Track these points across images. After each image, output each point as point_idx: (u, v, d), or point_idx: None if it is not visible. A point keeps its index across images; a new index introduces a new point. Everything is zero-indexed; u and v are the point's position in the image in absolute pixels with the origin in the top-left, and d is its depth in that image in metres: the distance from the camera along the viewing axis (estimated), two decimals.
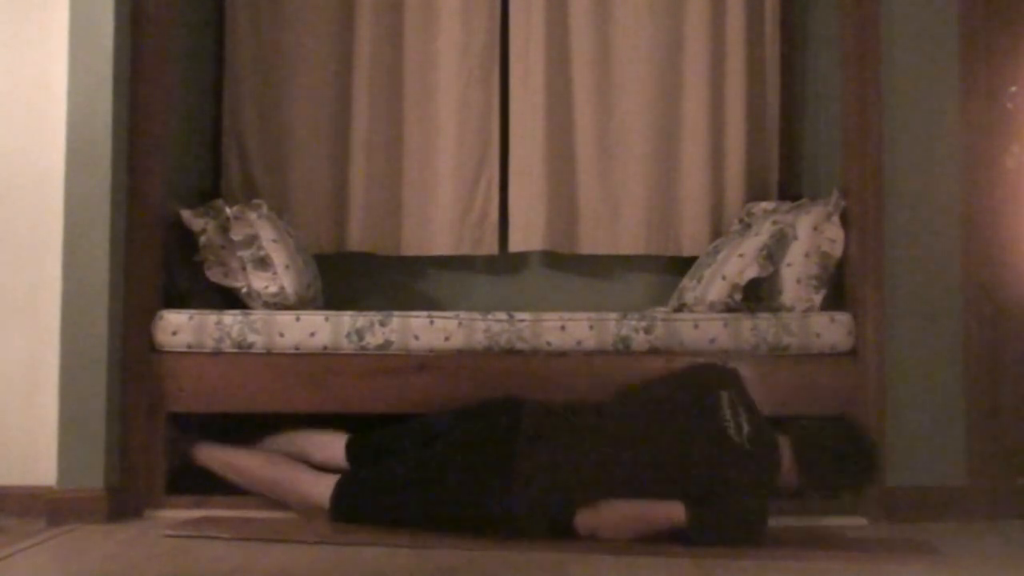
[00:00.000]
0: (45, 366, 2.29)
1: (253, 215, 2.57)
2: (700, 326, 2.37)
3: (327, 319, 2.38)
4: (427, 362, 2.34)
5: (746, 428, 2.06)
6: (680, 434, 2.05)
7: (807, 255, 2.43)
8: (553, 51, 2.92)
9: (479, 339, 2.36)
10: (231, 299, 2.55)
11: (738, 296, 2.42)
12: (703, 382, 2.18)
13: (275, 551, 1.96)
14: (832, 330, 2.36)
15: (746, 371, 2.31)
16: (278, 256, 2.50)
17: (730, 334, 2.36)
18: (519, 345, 2.37)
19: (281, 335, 2.37)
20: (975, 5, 2.41)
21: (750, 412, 2.11)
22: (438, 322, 2.38)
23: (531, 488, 2.01)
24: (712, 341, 2.36)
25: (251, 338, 2.36)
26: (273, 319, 2.38)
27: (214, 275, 2.51)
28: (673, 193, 2.95)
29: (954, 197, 2.39)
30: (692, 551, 1.92)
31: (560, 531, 2.03)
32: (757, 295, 2.49)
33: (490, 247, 2.96)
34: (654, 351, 2.36)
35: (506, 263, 3.02)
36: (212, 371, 2.35)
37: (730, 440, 2.03)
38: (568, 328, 2.37)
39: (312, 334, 2.37)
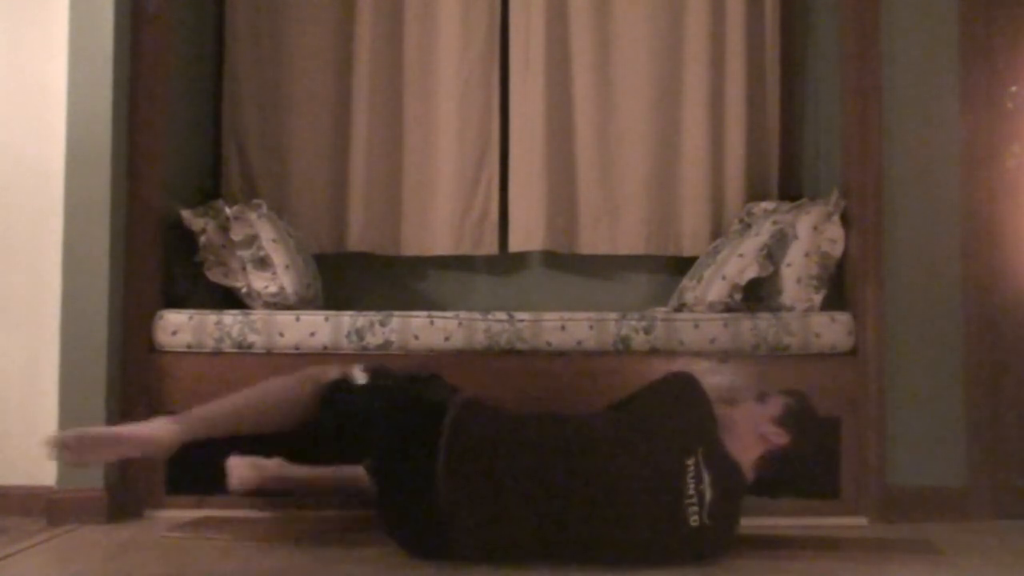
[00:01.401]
0: (45, 366, 2.29)
1: (253, 215, 2.57)
2: (700, 326, 2.37)
3: (327, 319, 2.38)
4: (427, 362, 2.34)
5: (709, 495, 1.82)
6: (634, 518, 1.83)
7: (807, 255, 2.43)
8: (553, 51, 2.92)
9: (479, 339, 2.36)
10: (231, 299, 2.55)
11: (738, 296, 2.43)
12: (672, 445, 1.87)
13: (275, 551, 1.96)
14: (832, 330, 2.36)
15: (746, 371, 2.32)
16: (278, 256, 2.50)
17: (730, 334, 2.36)
18: (519, 345, 2.37)
19: (281, 335, 2.37)
20: (975, 5, 2.41)
21: (716, 470, 1.85)
22: (438, 322, 2.38)
23: (460, 525, 1.83)
24: (712, 341, 2.36)
25: (251, 338, 2.36)
26: (273, 319, 2.38)
27: (214, 275, 2.51)
28: (673, 193, 2.95)
29: (954, 197, 2.39)
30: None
31: None
32: (757, 295, 2.50)
33: (490, 247, 2.96)
34: (654, 351, 2.36)
35: (506, 263, 3.02)
36: (212, 371, 2.34)
37: (688, 525, 1.81)
38: (568, 328, 2.37)
39: (312, 334, 2.37)
